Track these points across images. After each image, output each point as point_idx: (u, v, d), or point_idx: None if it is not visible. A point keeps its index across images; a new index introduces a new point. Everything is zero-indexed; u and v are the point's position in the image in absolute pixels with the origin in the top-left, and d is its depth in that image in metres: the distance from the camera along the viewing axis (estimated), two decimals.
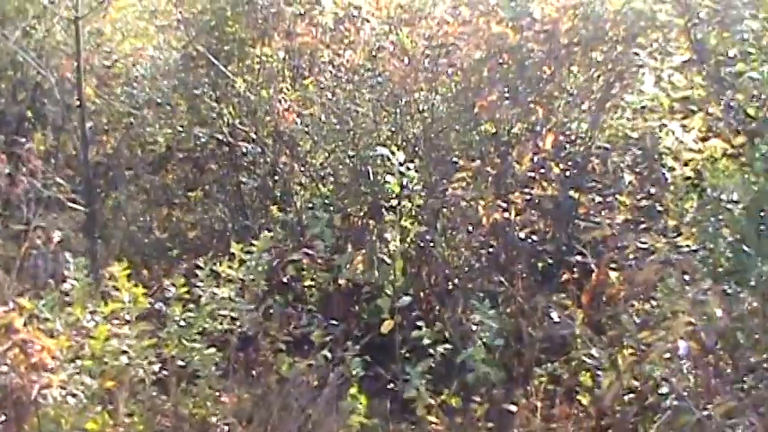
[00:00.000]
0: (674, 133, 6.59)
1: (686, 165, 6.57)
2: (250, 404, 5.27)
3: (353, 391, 5.16)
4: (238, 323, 5.28)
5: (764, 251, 4.63)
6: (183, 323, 5.11)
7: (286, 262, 6.43)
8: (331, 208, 6.92)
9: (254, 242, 5.42)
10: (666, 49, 6.61)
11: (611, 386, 4.55)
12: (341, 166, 7.04)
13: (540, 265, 6.36)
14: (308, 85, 6.84)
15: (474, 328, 5.43)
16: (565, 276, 6.25)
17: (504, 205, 6.19)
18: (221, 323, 5.23)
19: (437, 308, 6.42)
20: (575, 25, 6.20)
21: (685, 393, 4.39)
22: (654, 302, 5.19)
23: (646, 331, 4.59)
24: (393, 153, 5.58)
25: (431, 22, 6.44)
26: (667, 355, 4.52)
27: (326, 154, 7.07)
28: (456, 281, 6.50)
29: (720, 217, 5.21)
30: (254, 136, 7.23)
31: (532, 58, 6.33)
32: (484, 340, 5.14)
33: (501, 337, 5.21)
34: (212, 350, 5.13)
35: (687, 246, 5.59)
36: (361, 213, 7.03)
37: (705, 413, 4.19)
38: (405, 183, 5.62)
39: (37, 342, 4.72)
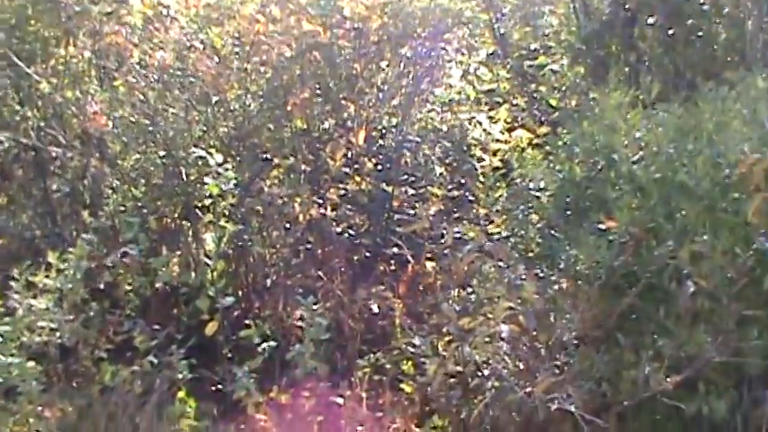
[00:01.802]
0: (481, 125, 6.86)
1: (494, 155, 6.86)
2: (75, 417, 5.13)
3: (181, 394, 5.12)
4: (58, 334, 5.13)
5: (571, 235, 4.87)
6: None
7: (101, 268, 6.28)
8: (144, 211, 6.81)
9: (70, 249, 5.27)
10: (472, 44, 6.86)
11: (436, 372, 4.68)
12: (153, 168, 6.91)
13: (357, 258, 6.47)
14: (118, 86, 6.68)
15: (299, 323, 5.48)
16: (382, 269, 6.41)
17: (320, 201, 6.27)
18: (40, 335, 5.06)
19: (257, 306, 6.43)
20: (384, 22, 6.34)
21: (506, 374, 4.58)
22: (471, 289, 5.37)
23: (466, 318, 4.74)
24: (210, 154, 5.56)
25: (240, 20, 6.40)
26: (487, 340, 4.70)
27: (138, 156, 6.92)
28: (275, 278, 6.52)
29: (530, 204, 5.45)
30: (62, 139, 7.02)
31: (343, 56, 6.44)
32: (312, 336, 5.16)
33: (326, 332, 5.25)
34: (32, 364, 4.95)
35: (499, 233, 5.84)
36: (176, 215, 6.94)
37: (527, 390, 4.39)
38: (222, 183, 5.58)
39: None
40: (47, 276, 5.18)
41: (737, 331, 4.38)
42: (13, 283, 5.10)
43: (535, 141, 6.75)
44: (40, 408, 5.01)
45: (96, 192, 7.14)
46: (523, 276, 4.74)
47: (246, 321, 5.75)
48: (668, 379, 4.29)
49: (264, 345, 5.31)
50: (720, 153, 4.65)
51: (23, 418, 4.93)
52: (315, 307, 5.23)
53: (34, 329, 5.07)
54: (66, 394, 5.38)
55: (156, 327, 5.88)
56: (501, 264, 4.98)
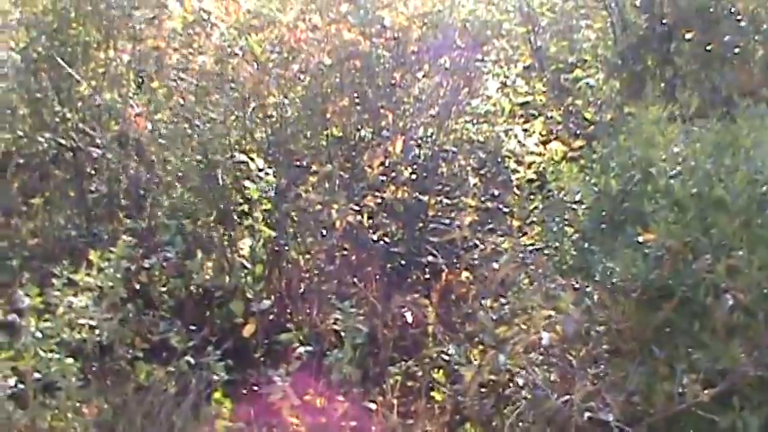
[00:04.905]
0: (516, 137, 6.89)
1: (529, 167, 6.89)
2: (111, 414, 5.20)
3: (217, 395, 5.17)
4: (96, 332, 5.19)
5: (607, 248, 4.90)
6: (39, 334, 4.98)
7: (138, 269, 6.36)
8: (180, 213, 6.88)
9: (111, 249, 5.35)
10: (510, 57, 6.90)
11: (472, 380, 4.72)
12: (190, 172, 6.98)
13: (392, 266, 6.52)
14: (157, 89, 6.77)
15: (333, 329, 5.53)
16: (416, 277, 6.45)
17: (356, 209, 6.32)
18: (79, 332, 5.13)
19: (291, 311, 6.49)
20: (423, 33, 6.40)
21: (540, 383, 4.61)
22: (504, 300, 5.41)
23: (502, 326, 4.77)
24: (252, 159, 5.63)
25: (280, 28, 6.48)
26: (523, 349, 4.73)
27: (175, 159, 7.00)
28: (309, 284, 6.57)
29: (565, 217, 5.48)
30: (100, 141, 7.11)
31: (382, 65, 6.50)
32: (350, 341, 5.21)
33: (362, 338, 5.30)
34: (70, 360, 5.02)
35: (532, 245, 5.87)
36: (212, 219, 7.01)
37: (564, 398, 4.42)
38: (263, 188, 5.65)
39: None
40: (88, 275, 5.25)
41: None
42: (54, 281, 5.17)
43: (570, 154, 6.78)
44: (77, 404, 5.07)
45: (133, 194, 7.24)
46: (560, 287, 4.76)
47: (281, 325, 5.82)
48: (705, 392, 4.30)
49: (301, 349, 5.36)
50: (757, 169, 4.66)
51: (62, 413, 4.99)
52: (350, 311, 5.28)
53: (74, 327, 5.14)
54: (103, 392, 5.44)
55: (192, 328, 5.96)
56: (538, 274, 5.01)
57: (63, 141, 7.26)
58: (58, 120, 7.26)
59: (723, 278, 4.41)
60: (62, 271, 5.18)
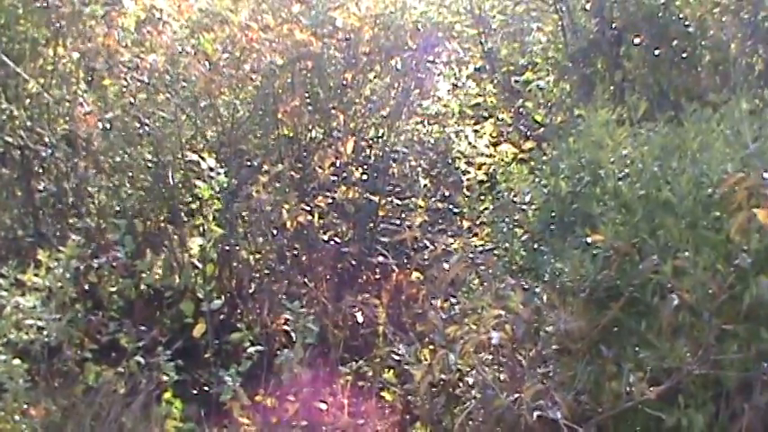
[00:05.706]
0: (467, 138, 6.94)
1: (479, 168, 6.94)
2: (60, 416, 5.15)
3: (168, 395, 5.15)
4: (45, 332, 5.14)
5: (556, 249, 4.95)
6: None
7: (87, 269, 6.30)
8: (130, 213, 6.84)
9: (60, 249, 5.30)
10: (461, 58, 6.95)
11: (422, 380, 4.74)
12: (140, 171, 6.94)
13: (342, 266, 6.53)
14: (107, 87, 6.72)
15: (284, 328, 5.53)
16: (367, 277, 6.47)
17: (308, 209, 6.33)
18: (27, 333, 5.07)
19: (241, 310, 6.47)
20: (375, 34, 6.42)
21: (490, 382, 4.64)
22: (454, 300, 5.44)
23: (452, 326, 4.80)
24: (203, 158, 5.61)
25: (232, 27, 6.46)
26: (473, 348, 4.75)
27: (125, 158, 6.95)
28: (260, 283, 6.57)
29: (515, 218, 5.52)
30: (48, 139, 7.03)
31: (333, 65, 6.51)
32: (301, 341, 5.21)
33: (313, 338, 5.31)
34: (18, 361, 4.97)
35: (483, 245, 5.91)
36: (161, 218, 6.98)
37: (514, 396, 4.46)
38: (214, 187, 5.64)
39: None
40: (35, 275, 5.19)
41: (717, 345, 4.46)
42: (1, 281, 5.11)
43: (520, 156, 6.84)
44: (25, 406, 5.01)
45: (82, 193, 7.16)
46: (509, 287, 4.80)
47: (231, 325, 5.80)
48: (651, 390, 4.36)
49: (251, 349, 5.35)
50: (703, 172, 4.74)
51: (9, 415, 4.93)
52: (300, 310, 5.28)
53: (21, 327, 5.08)
54: (51, 393, 5.38)
55: (142, 328, 5.92)
56: (488, 274, 5.05)
57: (10, 140, 7.14)
58: (5, 118, 7.14)
59: (669, 278, 4.47)
60: (9, 271, 5.12)
